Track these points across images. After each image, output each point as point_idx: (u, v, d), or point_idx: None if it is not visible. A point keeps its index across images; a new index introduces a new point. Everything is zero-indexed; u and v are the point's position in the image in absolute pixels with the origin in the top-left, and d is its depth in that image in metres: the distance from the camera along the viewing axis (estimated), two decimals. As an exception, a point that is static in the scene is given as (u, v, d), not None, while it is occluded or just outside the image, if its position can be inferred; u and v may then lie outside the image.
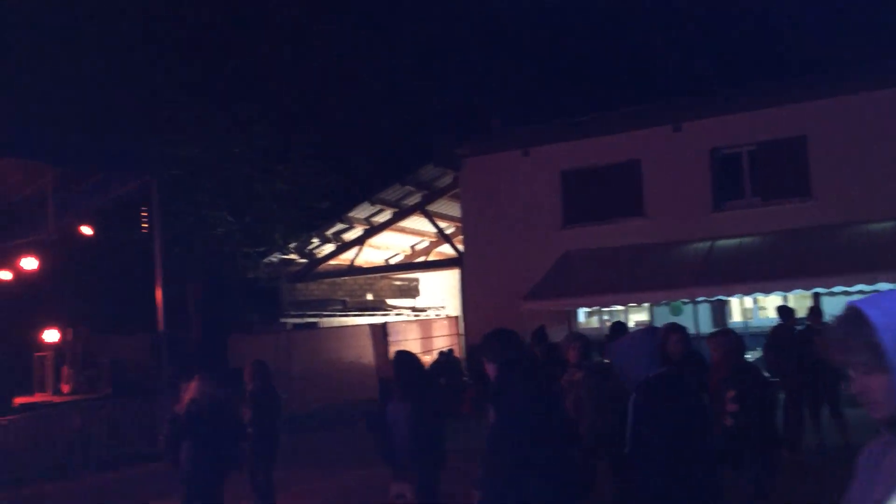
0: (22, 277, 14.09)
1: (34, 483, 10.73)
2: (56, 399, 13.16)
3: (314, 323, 19.84)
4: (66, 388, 13.67)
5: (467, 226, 18.36)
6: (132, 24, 16.26)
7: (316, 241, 20.36)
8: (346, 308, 20.52)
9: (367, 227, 20.75)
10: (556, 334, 10.87)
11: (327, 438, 14.01)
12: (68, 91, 15.27)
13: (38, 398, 13.10)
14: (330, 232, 20.51)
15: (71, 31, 15.86)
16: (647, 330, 4.60)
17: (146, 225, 13.58)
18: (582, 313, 17.18)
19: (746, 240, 14.60)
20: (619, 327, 8.76)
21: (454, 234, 20.37)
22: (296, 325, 19.39)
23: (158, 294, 13.37)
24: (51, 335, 14.15)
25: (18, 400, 12.28)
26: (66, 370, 13.87)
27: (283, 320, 19.24)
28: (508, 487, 3.71)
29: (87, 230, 13.52)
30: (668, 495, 3.73)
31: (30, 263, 13.41)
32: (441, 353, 16.94)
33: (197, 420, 6.64)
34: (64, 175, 12.88)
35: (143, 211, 13.63)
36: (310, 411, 15.22)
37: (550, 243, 16.49)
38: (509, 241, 17.17)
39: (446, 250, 20.73)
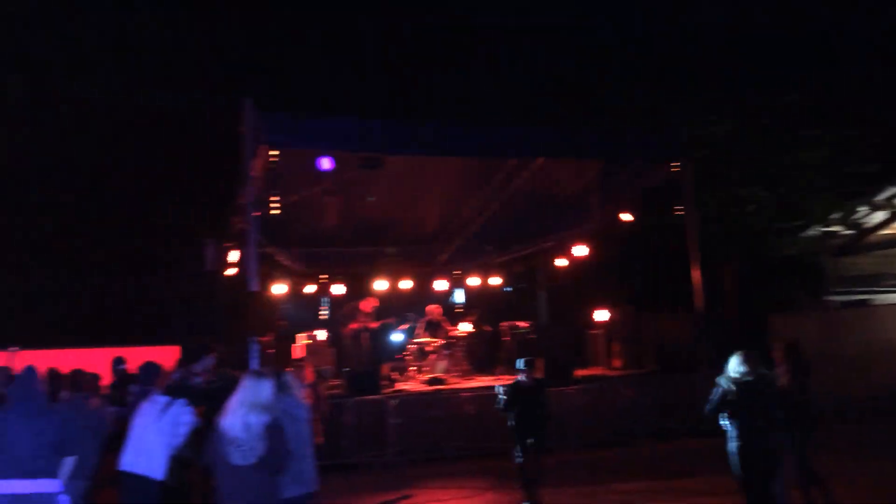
0: (575, 264, 15.93)
1: (594, 447, 11.95)
2: (608, 373, 14.33)
3: (865, 300, 17.92)
4: (616, 363, 14.87)
5: None
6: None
7: (863, 209, 18.28)
8: (906, 283, 18.01)
9: (928, 188, 17.80)
10: None
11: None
12: (594, 92, 16.63)
13: (593, 371, 14.49)
14: (880, 198, 18.14)
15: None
16: None
17: (680, 207, 13.92)
18: None
19: None
20: None
21: None
22: (843, 303, 17.80)
23: (695, 274, 13.63)
24: (601, 315, 15.57)
25: (577, 372, 13.80)
26: (615, 346, 15.12)
27: (827, 298, 17.86)
28: None
29: (626, 217, 14.38)
30: None
31: (581, 251, 15.03)
32: None
33: (733, 398, 6.72)
34: (606, 168, 14.04)
35: (677, 194, 14.00)
36: (868, 397, 13.81)
37: None
38: None
39: None
